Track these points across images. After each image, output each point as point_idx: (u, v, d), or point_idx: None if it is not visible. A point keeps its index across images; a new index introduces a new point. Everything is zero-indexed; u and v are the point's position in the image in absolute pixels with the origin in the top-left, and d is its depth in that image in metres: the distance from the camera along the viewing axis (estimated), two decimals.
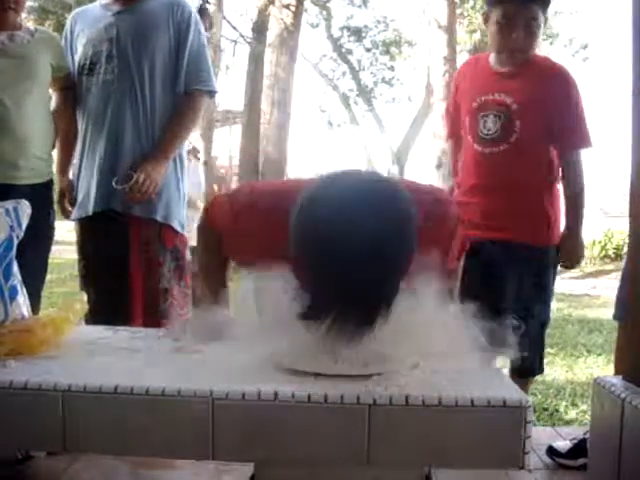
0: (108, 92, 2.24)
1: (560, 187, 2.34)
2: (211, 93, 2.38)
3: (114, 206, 2.23)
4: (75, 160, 2.38)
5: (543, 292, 2.33)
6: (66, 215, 2.42)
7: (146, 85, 2.23)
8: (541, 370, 2.43)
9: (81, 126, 2.35)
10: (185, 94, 2.29)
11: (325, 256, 1.08)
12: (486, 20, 2.32)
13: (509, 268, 2.23)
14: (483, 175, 2.31)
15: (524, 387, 2.21)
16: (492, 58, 2.35)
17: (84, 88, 2.30)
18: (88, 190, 2.29)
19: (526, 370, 2.21)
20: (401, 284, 1.13)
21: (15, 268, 1.54)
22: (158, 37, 2.24)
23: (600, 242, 11.16)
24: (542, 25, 2.27)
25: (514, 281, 2.24)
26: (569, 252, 2.30)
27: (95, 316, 2.20)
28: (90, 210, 2.28)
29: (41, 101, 2.28)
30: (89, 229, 2.34)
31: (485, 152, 2.31)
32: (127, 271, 2.24)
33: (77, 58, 2.32)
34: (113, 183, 2.18)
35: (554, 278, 2.38)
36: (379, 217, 1.08)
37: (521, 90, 2.26)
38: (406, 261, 1.12)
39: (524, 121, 2.24)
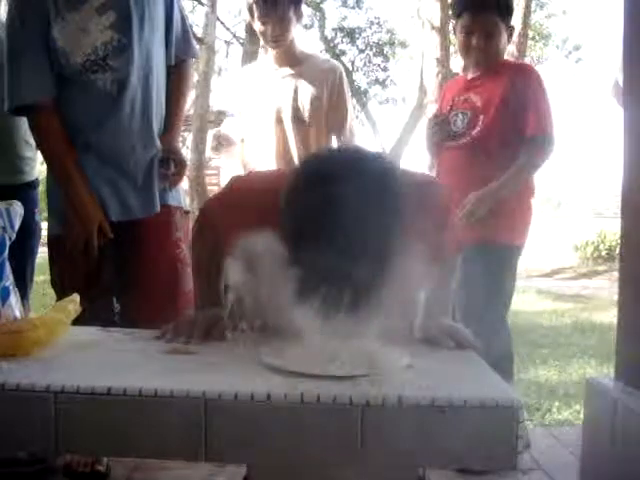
0: (122, 85, 1.95)
1: (532, 189, 2.37)
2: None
3: (154, 209, 2.03)
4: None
5: (498, 292, 2.30)
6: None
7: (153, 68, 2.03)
8: None
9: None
10: (175, 64, 2.12)
11: (315, 241, 1.11)
12: (455, 30, 2.46)
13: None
14: (449, 171, 2.37)
15: None
16: (465, 68, 2.51)
17: (88, 84, 1.93)
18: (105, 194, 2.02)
19: None
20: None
21: (7, 269, 1.53)
22: (159, 12, 2.03)
23: (593, 243, 11.20)
24: (503, 32, 2.36)
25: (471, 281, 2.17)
26: (470, 202, 2.24)
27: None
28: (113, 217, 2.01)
29: None
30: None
31: (451, 146, 2.39)
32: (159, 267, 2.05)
33: (72, 54, 1.90)
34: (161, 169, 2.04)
35: (511, 279, 2.37)
36: (369, 203, 1.12)
37: (487, 90, 2.35)
38: (395, 246, 1.14)
39: (488, 115, 2.31)
